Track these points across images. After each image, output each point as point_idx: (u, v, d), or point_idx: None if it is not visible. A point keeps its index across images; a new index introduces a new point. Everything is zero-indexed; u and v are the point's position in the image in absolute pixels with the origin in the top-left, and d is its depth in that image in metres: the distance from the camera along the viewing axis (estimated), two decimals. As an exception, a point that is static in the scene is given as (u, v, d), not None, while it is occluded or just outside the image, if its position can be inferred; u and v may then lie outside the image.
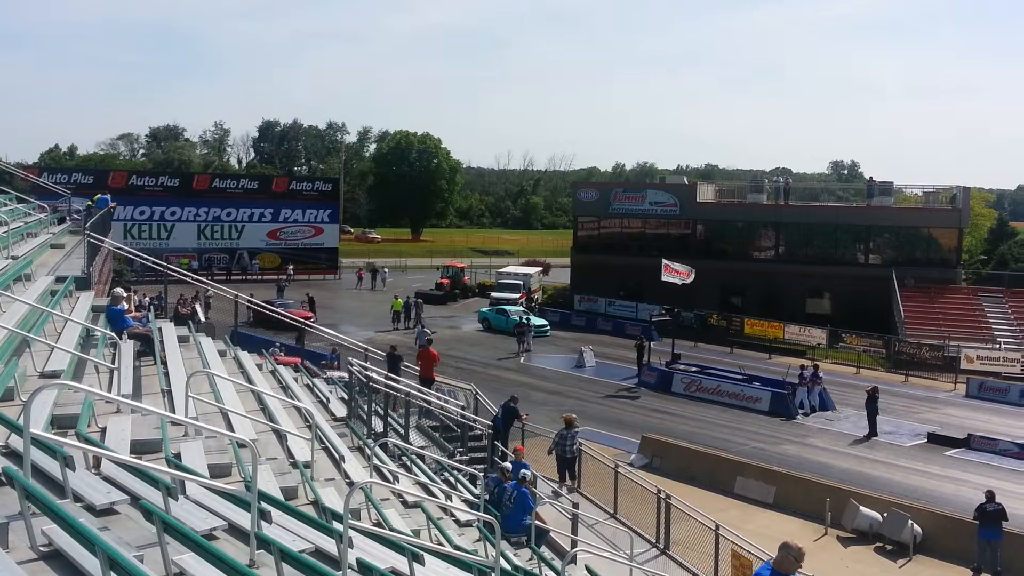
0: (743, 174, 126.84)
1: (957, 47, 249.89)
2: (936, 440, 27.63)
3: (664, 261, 38.78)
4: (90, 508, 6.20)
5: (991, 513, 17.92)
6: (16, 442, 6.86)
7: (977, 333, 43.03)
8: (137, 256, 25.40)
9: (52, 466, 6.47)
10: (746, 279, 50.82)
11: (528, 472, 15.41)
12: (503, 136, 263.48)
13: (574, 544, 15.11)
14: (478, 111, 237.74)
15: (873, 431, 28.22)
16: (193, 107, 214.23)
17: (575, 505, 17.44)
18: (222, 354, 15.95)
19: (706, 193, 56.98)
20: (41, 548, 5.24)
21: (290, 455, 11.25)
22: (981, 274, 58.91)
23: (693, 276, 38.52)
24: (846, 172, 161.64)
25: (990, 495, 18.23)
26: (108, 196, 25.63)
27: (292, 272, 61.39)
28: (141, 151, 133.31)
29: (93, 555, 4.60)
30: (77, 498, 6.27)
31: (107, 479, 7.07)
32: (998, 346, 41.62)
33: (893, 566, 18.26)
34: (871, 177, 57.64)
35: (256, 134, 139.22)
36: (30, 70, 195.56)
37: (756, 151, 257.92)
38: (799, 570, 7.19)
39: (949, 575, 17.89)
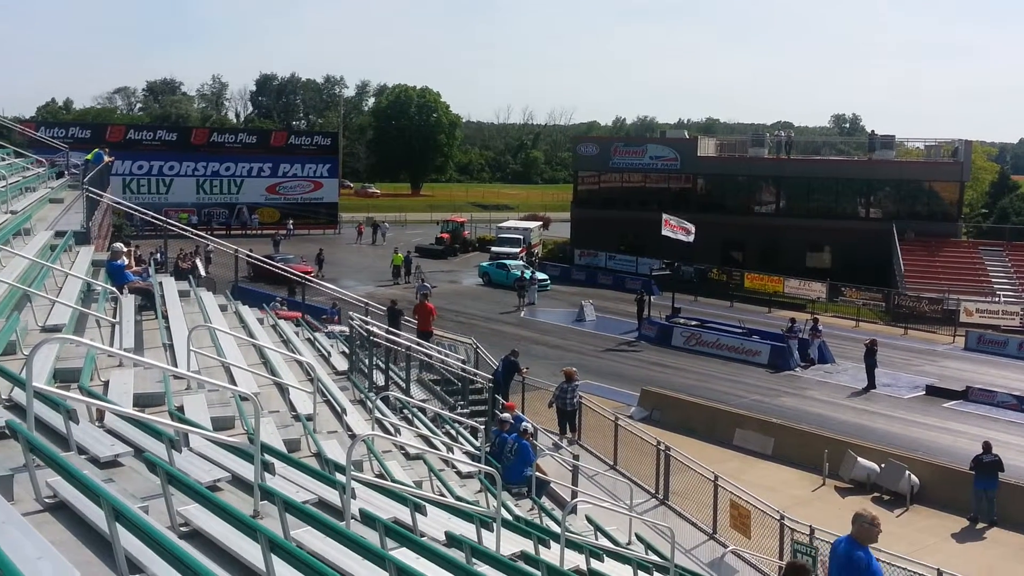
0: (744, 128, 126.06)
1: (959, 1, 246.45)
2: (934, 392, 27.76)
3: (665, 216, 38.64)
4: (94, 460, 6.23)
5: (987, 464, 18.09)
6: (19, 395, 6.90)
7: (977, 286, 43.04)
8: (136, 211, 25.37)
9: (55, 419, 6.49)
10: (746, 233, 50.70)
11: (528, 425, 15.52)
12: (502, 90, 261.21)
13: (574, 495, 15.26)
14: (477, 65, 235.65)
15: (871, 383, 28.35)
16: (190, 61, 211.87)
17: (575, 457, 17.61)
18: (223, 308, 15.98)
19: (707, 147, 56.63)
20: (46, 500, 5.28)
21: (292, 408, 11.33)
22: (982, 228, 58.83)
23: (693, 236, 38.47)
24: (848, 126, 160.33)
25: (987, 446, 18.39)
26: (104, 151, 25.50)
27: (292, 227, 61.28)
28: (138, 105, 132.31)
29: (98, 506, 4.63)
30: (81, 451, 6.31)
31: (111, 432, 7.10)
32: (997, 299, 41.61)
33: (890, 515, 18.42)
34: (873, 131, 57.19)
35: (254, 88, 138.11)
36: (24, 22, 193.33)
37: (757, 105, 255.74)
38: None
39: (945, 524, 18.09)
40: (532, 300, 41.80)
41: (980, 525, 18.04)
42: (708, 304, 43.01)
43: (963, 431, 23.86)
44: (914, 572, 13.69)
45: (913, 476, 19.04)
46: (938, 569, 13.72)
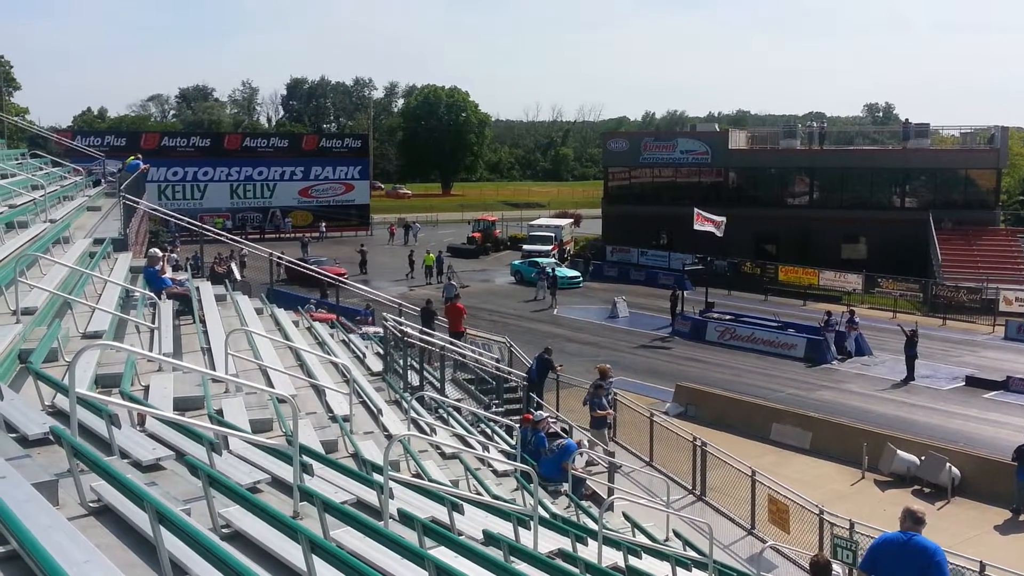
0: (776, 119, 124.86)
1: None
2: (974, 383, 27.38)
3: (696, 210, 38.45)
4: (136, 464, 6.31)
5: (1030, 455, 17.84)
6: (62, 401, 7.01)
7: (1016, 275, 42.33)
8: (172, 217, 25.68)
9: (98, 424, 6.59)
10: (780, 226, 50.33)
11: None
12: (531, 88, 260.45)
13: (611, 492, 15.24)
14: (505, 63, 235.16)
15: (911, 375, 28.02)
16: (220, 66, 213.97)
17: (611, 454, 17.57)
18: (259, 312, 16.14)
19: (738, 140, 56.30)
20: (91, 504, 5.37)
21: (329, 409, 11.42)
22: (1020, 215, 57.85)
23: (723, 229, 38.23)
24: (881, 115, 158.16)
25: (1030, 437, 18.14)
26: (139, 160, 25.83)
27: (325, 229, 61.72)
28: (171, 112, 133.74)
29: (142, 509, 4.70)
30: (124, 455, 6.39)
31: (152, 436, 7.20)
32: (1038, 287, 40.97)
33: (931, 508, 18.20)
34: (907, 119, 56.60)
35: (284, 92, 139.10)
36: (57, 33, 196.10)
37: (788, 96, 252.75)
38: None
39: (988, 516, 17.86)
40: (539, 296, 41.78)
41: (1023, 517, 17.80)
42: (742, 298, 42.74)
43: (1005, 422, 23.55)
44: (956, 565, 13.51)
45: (954, 468, 18.82)
46: (981, 561, 13.54)
